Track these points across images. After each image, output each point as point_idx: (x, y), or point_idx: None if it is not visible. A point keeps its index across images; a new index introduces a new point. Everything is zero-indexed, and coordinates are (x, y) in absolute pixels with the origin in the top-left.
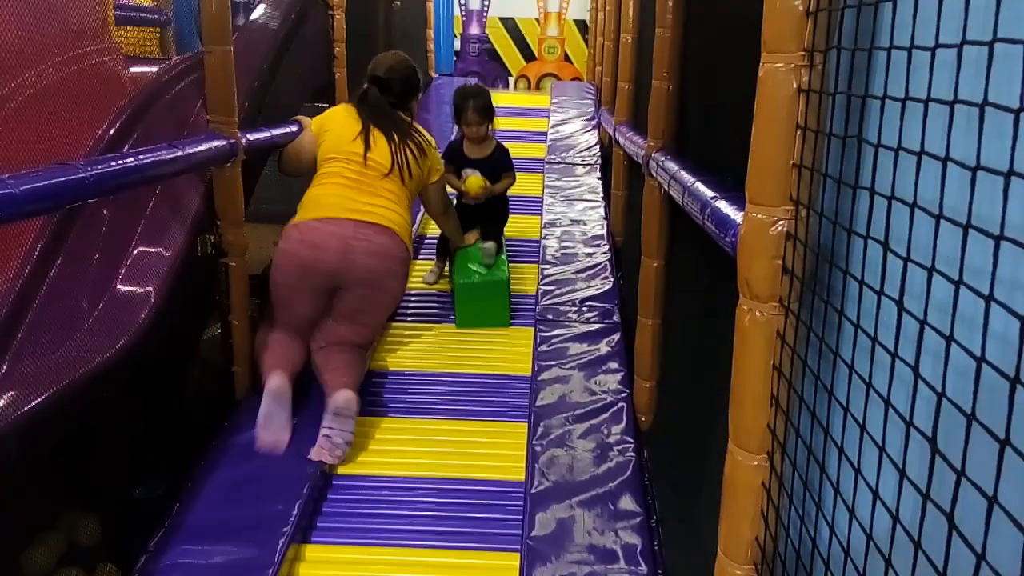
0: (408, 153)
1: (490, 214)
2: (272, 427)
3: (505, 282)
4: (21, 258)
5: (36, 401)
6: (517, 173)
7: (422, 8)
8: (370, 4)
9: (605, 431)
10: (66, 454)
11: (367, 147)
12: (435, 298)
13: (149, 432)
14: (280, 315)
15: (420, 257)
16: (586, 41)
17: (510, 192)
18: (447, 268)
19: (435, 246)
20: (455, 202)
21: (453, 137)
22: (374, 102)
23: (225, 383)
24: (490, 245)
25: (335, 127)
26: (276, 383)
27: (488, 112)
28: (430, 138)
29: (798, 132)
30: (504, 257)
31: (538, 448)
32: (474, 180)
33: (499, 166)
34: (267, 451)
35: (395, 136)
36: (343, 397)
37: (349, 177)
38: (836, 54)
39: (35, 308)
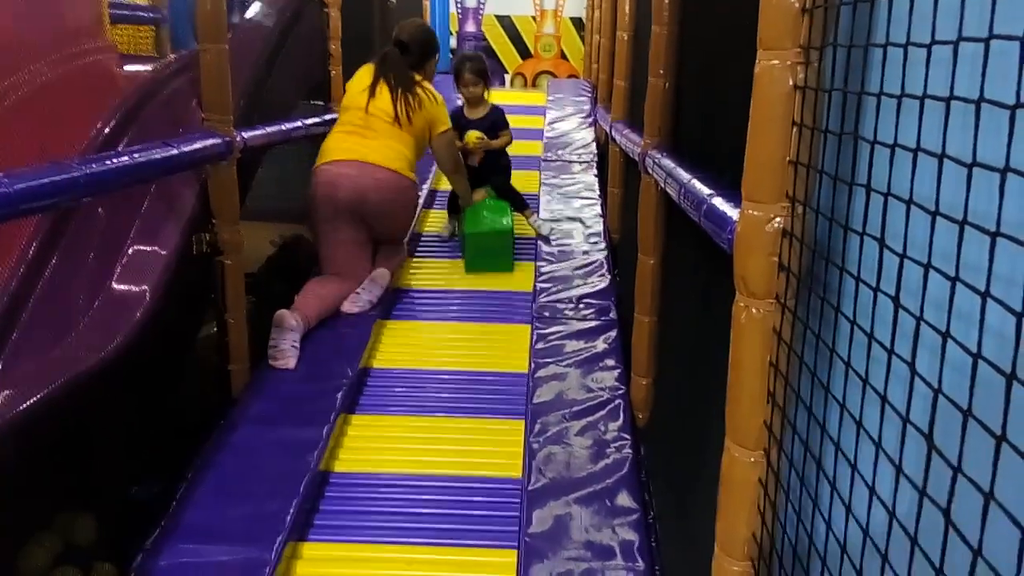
0: (407, 103)
1: (495, 172)
2: (276, 353)
3: (510, 232)
4: (16, 256)
5: (31, 400)
6: (514, 170)
7: (418, 5)
8: (365, 1)
9: (602, 428)
10: (62, 453)
11: (371, 97)
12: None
13: (145, 431)
14: (323, 253)
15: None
16: (582, 38)
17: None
18: (457, 226)
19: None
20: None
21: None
22: (392, 61)
23: (221, 381)
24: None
25: (352, 83)
26: (281, 317)
27: (483, 74)
28: (437, 95)
29: (794, 129)
30: (509, 208)
31: (535, 445)
32: (471, 133)
33: (496, 124)
34: (281, 368)
35: (399, 89)
36: (379, 271)
37: (355, 124)
38: (832, 51)
39: (30, 307)
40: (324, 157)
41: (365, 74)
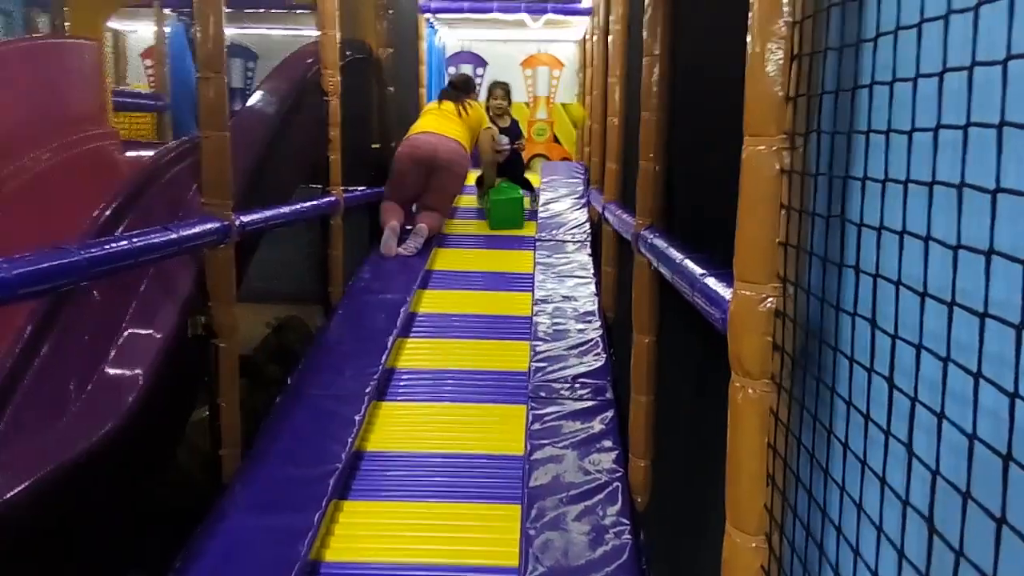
0: (463, 105)
1: (511, 168)
2: (387, 246)
3: (520, 200)
4: (11, 338)
5: (17, 489)
6: (508, 251)
7: (414, 94)
8: (364, 90)
9: (600, 512)
10: (46, 543)
11: (441, 101)
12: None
13: (132, 520)
14: (394, 193)
15: (465, 193)
16: (573, 123)
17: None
18: (485, 199)
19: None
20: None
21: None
22: (449, 90)
23: (210, 467)
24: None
25: (427, 105)
26: (394, 224)
27: (508, 94)
28: (479, 105)
29: (782, 211)
30: (520, 189)
31: (532, 531)
32: (496, 134)
33: (515, 133)
34: (386, 254)
35: (455, 98)
36: (420, 225)
37: (433, 114)
38: (816, 137)
39: (23, 389)
40: (412, 132)
41: (433, 103)
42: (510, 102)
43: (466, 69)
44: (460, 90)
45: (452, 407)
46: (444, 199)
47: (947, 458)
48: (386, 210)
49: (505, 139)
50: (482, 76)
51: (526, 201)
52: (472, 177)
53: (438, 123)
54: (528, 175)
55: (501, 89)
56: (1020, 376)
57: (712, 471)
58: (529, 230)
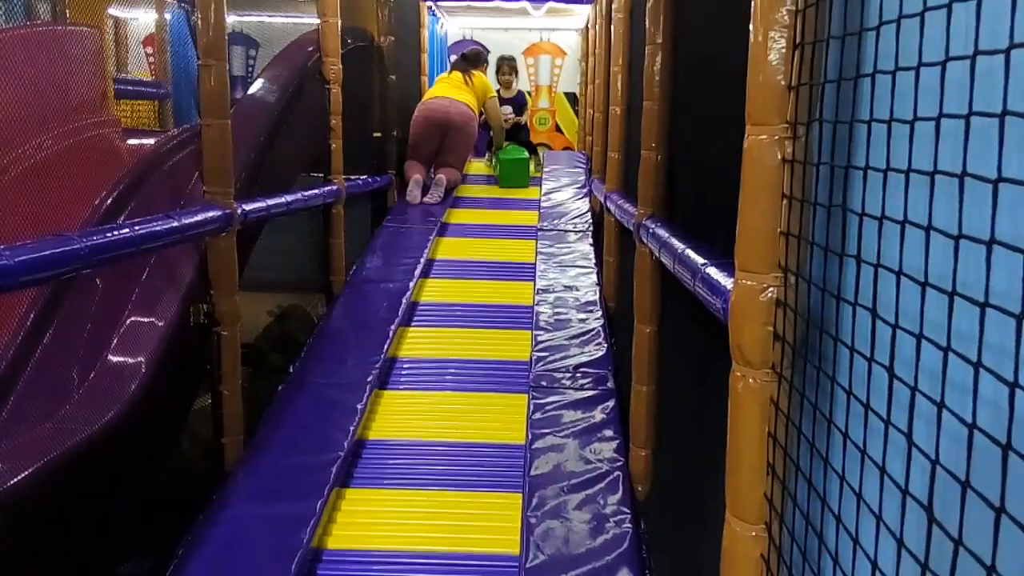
0: (469, 75)
1: (516, 134)
2: (413, 195)
3: (526, 160)
4: (14, 326)
5: (20, 476)
6: (510, 240)
7: (416, 83)
8: (366, 78)
9: (601, 501)
10: (48, 530)
11: (450, 72)
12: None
13: (136, 507)
14: (414, 152)
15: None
16: (576, 112)
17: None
18: (493, 161)
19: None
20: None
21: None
22: (459, 63)
23: (212, 455)
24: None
25: (439, 76)
26: (418, 177)
27: (514, 68)
28: (485, 78)
29: (784, 201)
30: (526, 151)
31: (533, 520)
32: (505, 108)
33: (521, 103)
34: (411, 202)
35: (463, 69)
36: (439, 176)
37: (443, 83)
38: (818, 126)
39: (26, 377)
40: (425, 97)
41: (443, 74)
42: (516, 74)
43: None
44: (469, 62)
45: (453, 396)
46: (458, 156)
47: (947, 448)
48: (410, 166)
49: (508, 108)
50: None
51: (531, 166)
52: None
53: (448, 89)
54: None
55: (508, 64)
56: (1020, 366)
57: (712, 460)
58: (531, 219)
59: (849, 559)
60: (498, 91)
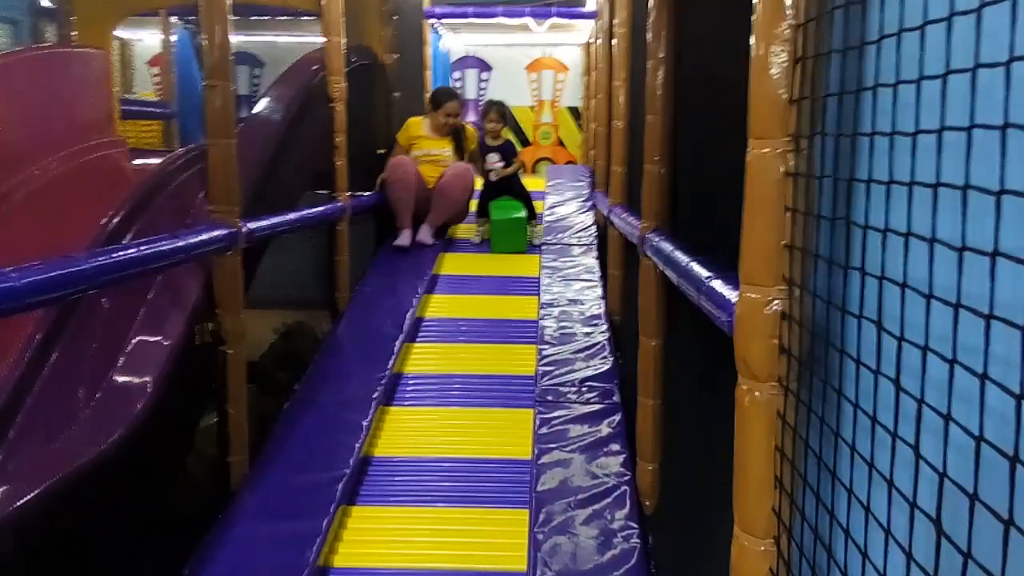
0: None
1: (508, 189)
2: (403, 241)
3: (524, 220)
4: (20, 346)
5: (28, 497)
6: (515, 255)
7: (419, 97)
8: (370, 95)
9: (608, 516)
10: (56, 550)
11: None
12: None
13: (141, 528)
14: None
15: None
16: (579, 126)
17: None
18: (486, 229)
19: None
20: (484, 180)
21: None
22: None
23: (218, 474)
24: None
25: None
26: (407, 231)
27: (503, 114)
28: (471, 129)
29: (788, 214)
30: (523, 206)
31: (540, 536)
32: (491, 156)
33: (509, 153)
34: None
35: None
36: (424, 230)
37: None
38: (821, 139)
39: (32, 398)
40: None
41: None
42: (505, 123)
43: (471, 74)
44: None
45: (459, 411)
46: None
47: (954, 460)
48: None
49: (496, 156)
50: (487, 80)
51: (530, 229)
52: (474, 205)
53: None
54: (532, 181)
55: (496, 111)
56: None
57: (720, 474)
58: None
59: (858, 572)
60: (483, 138)
